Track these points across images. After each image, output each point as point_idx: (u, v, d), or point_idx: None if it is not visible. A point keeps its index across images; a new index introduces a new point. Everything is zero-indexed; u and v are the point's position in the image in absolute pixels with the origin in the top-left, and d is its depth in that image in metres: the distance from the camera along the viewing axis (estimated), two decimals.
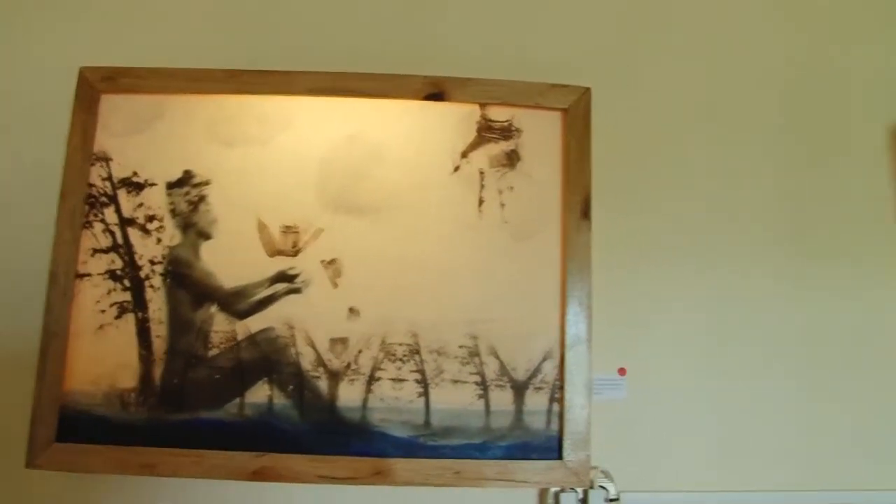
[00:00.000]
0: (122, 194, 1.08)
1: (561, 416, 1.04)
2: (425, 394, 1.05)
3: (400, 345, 1.05)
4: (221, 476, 1.01)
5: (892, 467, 1.11)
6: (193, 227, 1.07)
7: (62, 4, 1.17)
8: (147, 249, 1.07)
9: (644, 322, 1.11)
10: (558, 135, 1.12)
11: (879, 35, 1.23)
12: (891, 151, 1.19)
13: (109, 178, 1.09)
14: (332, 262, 1.07)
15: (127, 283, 1.06)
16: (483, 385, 1.05)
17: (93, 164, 1.08)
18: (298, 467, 1.01)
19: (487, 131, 1.12)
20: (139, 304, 1.05)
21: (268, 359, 1.05)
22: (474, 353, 1.06)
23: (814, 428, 1.11)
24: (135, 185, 1.08)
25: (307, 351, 1.05)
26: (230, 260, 1.06)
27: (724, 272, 1.13)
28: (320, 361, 1.05)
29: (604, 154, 1.12)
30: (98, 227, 1.07)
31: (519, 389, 1.05)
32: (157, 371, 1.04)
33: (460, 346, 1.06)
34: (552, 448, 1.04)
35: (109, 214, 1.08)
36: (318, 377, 1.04)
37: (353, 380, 1.04)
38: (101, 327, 1.04)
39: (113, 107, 1.10)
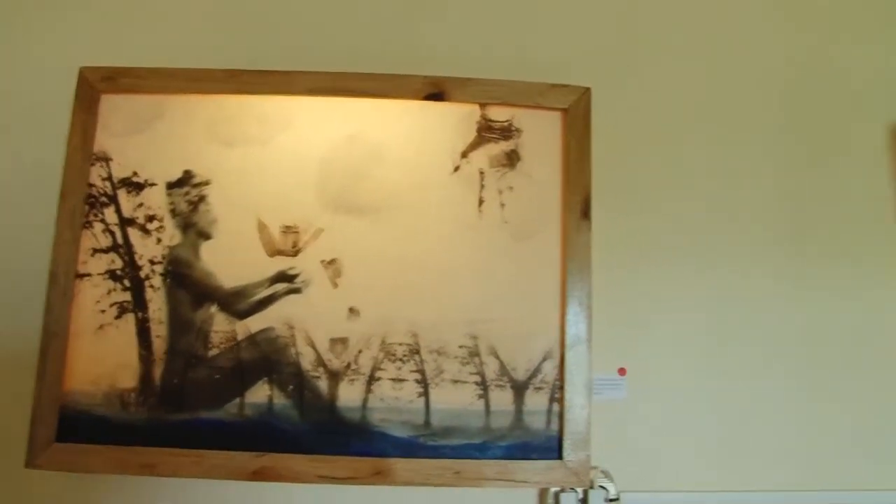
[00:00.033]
0: (122, 194, 1.08)
1: (561, 416, 1.04)
2: (425, 394, 1.05)
3: (400, 345, 1.05)
4: (221, 476, 1.01)
5: (892, 467, 1.11)
6: (193, 227, 1.07)
7: (62, 4, 1.17)
8: (147, 249, 1.07)
9: (644, 322, 1.11)
10: (558, 135, 1.11)
11: (879, 35, 1.23)
12: (891, 151, 1.19)
13: (109, 178, 1.09)
14: (332, 262, 1.07)
15: (127, 283, 1.06)
16: (483, 385, 1.05)
17: (93, 164, 1.08)
18: (298, 467, 1.01)
19: (487, 131, 1.12)
20: (139, 304, 1.05)
21: (268, 359, 1.05)
22: (474, 353, 1.06)
23: (814, 428, 1.11)
24: (135, 185, 1.08)
25: (307, 351, 1.05)
26: (230, 260, 1.06)
27: (724, 272, 1.13)
28: (320, 361, 1.05)
29: (604, 154, 1.12)
30: (98, 227, 1.07)
31: (519, 389, 1.05)
32: (157, 371, 1.04)
33: (460, 346, 1.06)
34: (552, 448, 1.04)
35: (109, 214, 1.08)
36: (318, 377, 1.04)
37: (353, 380, 1.04)
38: (101, 327, 1.04)
39: (113, 107, 1.10)
